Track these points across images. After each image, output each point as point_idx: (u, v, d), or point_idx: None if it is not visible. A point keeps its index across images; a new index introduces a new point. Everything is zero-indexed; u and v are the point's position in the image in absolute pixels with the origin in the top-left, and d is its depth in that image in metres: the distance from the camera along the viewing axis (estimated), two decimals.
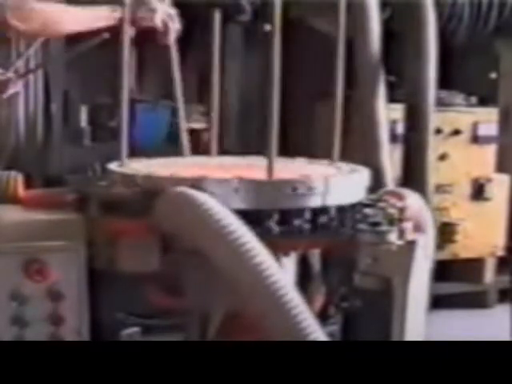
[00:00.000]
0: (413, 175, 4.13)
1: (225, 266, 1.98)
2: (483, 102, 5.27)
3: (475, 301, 5.25)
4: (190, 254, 2.07)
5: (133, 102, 5.03)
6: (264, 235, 2.05)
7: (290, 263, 2.25)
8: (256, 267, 1.95)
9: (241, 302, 2.05)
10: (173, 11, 2.74)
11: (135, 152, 2.48)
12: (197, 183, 2.10)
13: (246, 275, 1.96)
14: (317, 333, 1.97)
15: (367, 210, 2.21)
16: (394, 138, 4.31)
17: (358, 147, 3.75)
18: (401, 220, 2.21)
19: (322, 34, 4.86)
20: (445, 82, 4.46)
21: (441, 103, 4.58)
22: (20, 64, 4.74)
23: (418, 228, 2.28)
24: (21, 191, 2.28)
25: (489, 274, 5.33)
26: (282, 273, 2.00)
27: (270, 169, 2.17)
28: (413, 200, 2.32)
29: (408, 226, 2.23)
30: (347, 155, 2.51)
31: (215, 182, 2.12)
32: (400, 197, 2.31)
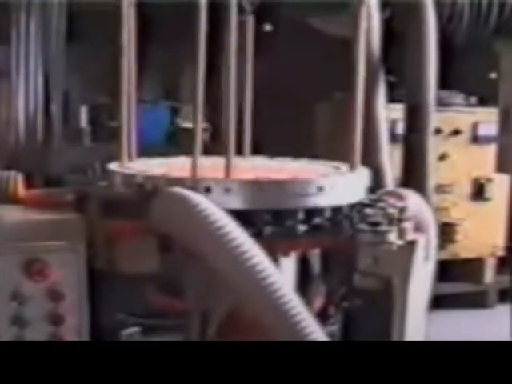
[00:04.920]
0: (413, 175, 4.13)
1: (221, 267, 1.98)
2: (483, 101, 5.27)
3: (475, 301, 5.25)
4: (189, 254, 2.07)
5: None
6: (264, 235, 2.05)
7: (290, 263, 2.25)
8: (252, 268, 1.94)
9: (239, 303, 2.05)
10: None
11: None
12: (193, 183, 2.10)
13: (243, 276, 1.96)
14: (316, 333, 1.97)
15: (367, 210, 2.21)
16: (394, 137, 4.31)
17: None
18: (401, 220, 2.21)
19: (322, 33, 4.86)
20: (445, 82, 4.46)
21: (441, 103, 4.58)
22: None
23: (418, 228, 2.28)
24: (21, 191, 2.28)
25: (489, 274, 5.33)
26: (279, 273, 2.00)
27: (227, 168, 2.17)
28: (413, 200, 2.32)
29: (408, 226, 2.23)
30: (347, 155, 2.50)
31: (212, 182, 2.12)
32: (400, 197, 2.31)
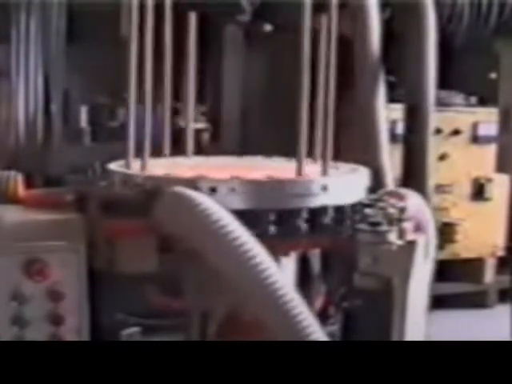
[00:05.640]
0: (413, 175, 4.12)
1: (223, 266, 1.98)
2: (483, 101, 5.27)
3: (475, 301, 5.25)
4: (189, 254, 2.07)
5: None
6: (263, 235, 2.05)
7: (290, 263, 2.25)
8: (254, 268, 1.94)
9: (240, 303, 2.05)
10: None
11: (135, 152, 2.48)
12: (195, 183, 2.10)
13: (245, 276, 1.96)
14: (317, 333, 1.97)
15: (367, 210, 2.21)
16: (393, 137, 4.30)
17: (358, 147, 3.75)
18: (401, 220, 2.21)
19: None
20: (445, 82, 4.46)
21: (441, 103, 4.57)
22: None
23: (418, 228, 2.28)
24: (21, 191, 2.28)
25: (489, 274, 5.33)
26: (281, 273, 2.00)
27: (143, 165, 2.19)
28: (413, 200, 2.32)
29: (408, 226, 2.23)
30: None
31: (214, 182, 2.12)
32: (400, 197, 2.31)
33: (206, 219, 1.97)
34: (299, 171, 2.21)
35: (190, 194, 2.03)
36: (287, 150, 2.71)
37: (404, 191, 2.38)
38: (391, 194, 2.35)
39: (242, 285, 1.97)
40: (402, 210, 2.23)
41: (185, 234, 2.03)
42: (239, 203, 2.11)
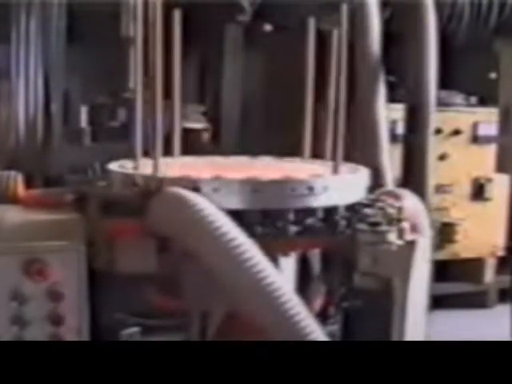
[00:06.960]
0: (413, 175, 4.13)
1: (219, 267, 1.98)
2: (483, 102, 5.28)
3: (475, 301, 5.25)
4: (188, 254, 2.07)
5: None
6: (263, 235, 2.05)
7: (290, 263, 2.25)
8: (251, 268, 1.94)
9: (237, 304, 2.05)
10: None
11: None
12: (193, 183, 2.09)
13: (242, 277, 1.95)
14: (316, 333, 1.97)
15: (367, 210, 2.21)
16: (394, 138, 4.31)
17: (358, 147, 3.75)
18: (399, 220, 2.21)
19: (322, 33, 4.86)
20: (445, 82, 4.46)
21: (441, 103, 4.58)
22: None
23: (414, 229, 2.27)
24: (21, 191, 2.28)
25: (489, 274, 5.33)
26: (278, 273, 2.00)
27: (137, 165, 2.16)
28: (409, 201, 2.32)
29: (406, 226, 2.23)
30: (347, 155, 2.51)
31: (212, 182, 2.12)
32: (396, 197, 2.31)
33: (201, 220, 1.97)
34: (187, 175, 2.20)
35: (184, 194, 2.02)
36: (287, 149, 2.72)
37: (400, 191, 2.37)
38: (388, 193, 2.35)
39: (238, 285, 1.97)
40: (400, 209, 2.23)
41: (180, 235, 2.02)
42: (239, 203, 2.10)
